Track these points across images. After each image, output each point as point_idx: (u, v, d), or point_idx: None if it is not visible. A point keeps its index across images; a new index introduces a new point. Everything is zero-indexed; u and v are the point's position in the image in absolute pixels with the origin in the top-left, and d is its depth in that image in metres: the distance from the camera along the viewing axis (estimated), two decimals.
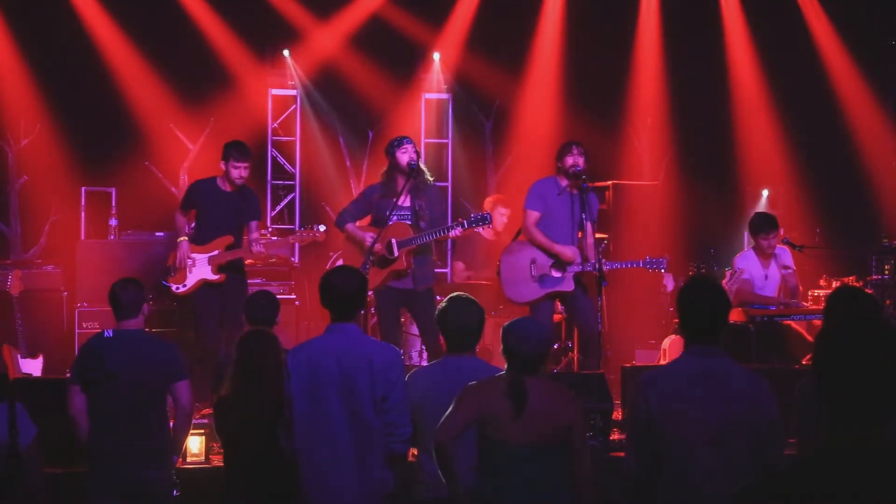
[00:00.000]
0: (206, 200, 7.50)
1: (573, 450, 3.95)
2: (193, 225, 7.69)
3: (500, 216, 9.19)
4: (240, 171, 7.43)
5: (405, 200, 7.21)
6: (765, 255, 7.98)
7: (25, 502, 4.45)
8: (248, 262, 8.34)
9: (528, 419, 3.92)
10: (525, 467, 3.92)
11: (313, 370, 4.51)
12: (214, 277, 7.46)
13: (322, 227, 7.70)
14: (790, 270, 8.07)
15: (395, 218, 7.15)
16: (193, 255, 7.45)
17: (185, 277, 7.44)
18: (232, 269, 7.52)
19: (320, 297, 4.65)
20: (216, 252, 7.46)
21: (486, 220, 7.22)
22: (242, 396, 4.93)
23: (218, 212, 7.49)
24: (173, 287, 7.48)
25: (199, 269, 7.44)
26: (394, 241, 7.10)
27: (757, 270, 7.98)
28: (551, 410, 3.95)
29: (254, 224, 7.60)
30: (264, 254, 7.82)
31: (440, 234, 7.14)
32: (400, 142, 7.28)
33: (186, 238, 7.48)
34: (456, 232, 7.14)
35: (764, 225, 8.01)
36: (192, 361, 6.84)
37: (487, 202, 9.47)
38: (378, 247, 7.04)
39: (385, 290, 7.16)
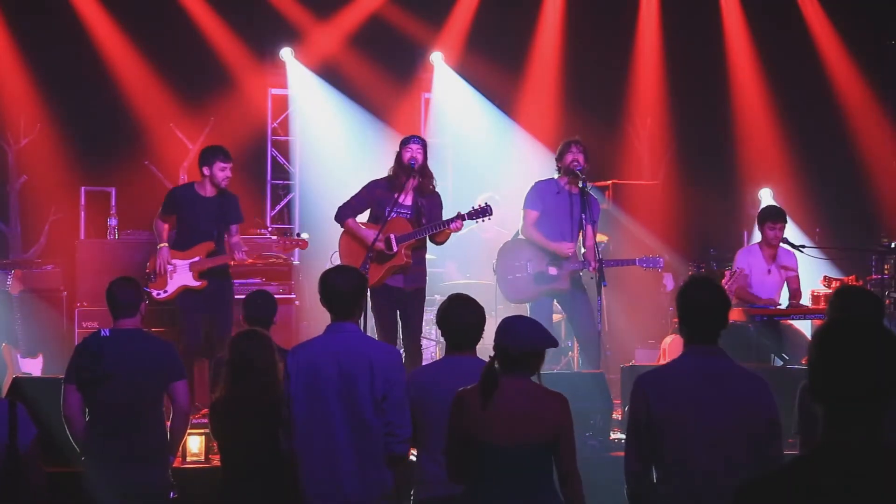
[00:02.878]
0: (187, 206, 7.42)
1: (563, 452, 3.92)
2: (173, 231, 7.62)
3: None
4: (226, 173, 7.41)
5: (407, 199, 7.19)
6: (770, 246, 7.98)
7: (27, 502, 4.45)
8: (248, 261, 8.34)
9: (513, 420, 3.88)
10: (512, 468, 3.88)
11: (313, 371, 4.51)
12: (196, 284, 7.38)
13: (305, 236, 7.78)
14: (793, 274, 8.07)
15: (394, 214, 7.13)
16: (174, 261, 7.36)
17: (165, 283, 7.33)
18: (217, 275, 7.44)
19: (320, 297, 4.66)
20: (197, 258, 7.37)
21: (486, 212, 7.14)
22: (236, 397, 4.92)
23: (199, 217, 7.42)
24: (154, 293, 7.32)
25: (180, 275, 7.36)
26: (392, 236, 7.08)
27: (759, 265, 7.99)
28: (537, 411, 3.91)
29: (234, 227, 7.53)
30: (247, 260, 7.79)
31: (439, 228, 7.08)
32: (407, 140, 7.27)
33: (167, 244, 7.40)
34: (456, 225, 7.04)
35: (771, 214, 8.07)
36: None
37: (480, 200, 9.49)
38: (379, 244, 7.02)
39: (382, 289, 7.12)
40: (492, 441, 3.87)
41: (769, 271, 8.01)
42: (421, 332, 7.44)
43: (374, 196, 7.25)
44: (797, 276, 8.10)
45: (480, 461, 3.91)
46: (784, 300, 8.12)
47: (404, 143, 7.23)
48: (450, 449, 4.03)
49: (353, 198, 7.38)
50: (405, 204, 7.18)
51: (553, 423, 3.90)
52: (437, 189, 7.40)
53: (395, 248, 7.05)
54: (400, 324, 7.29)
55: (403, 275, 7.16)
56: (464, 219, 7.10)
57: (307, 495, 4.50)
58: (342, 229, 7.36)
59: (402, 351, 8.02)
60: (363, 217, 7.40)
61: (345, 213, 7.31)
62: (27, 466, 4.34)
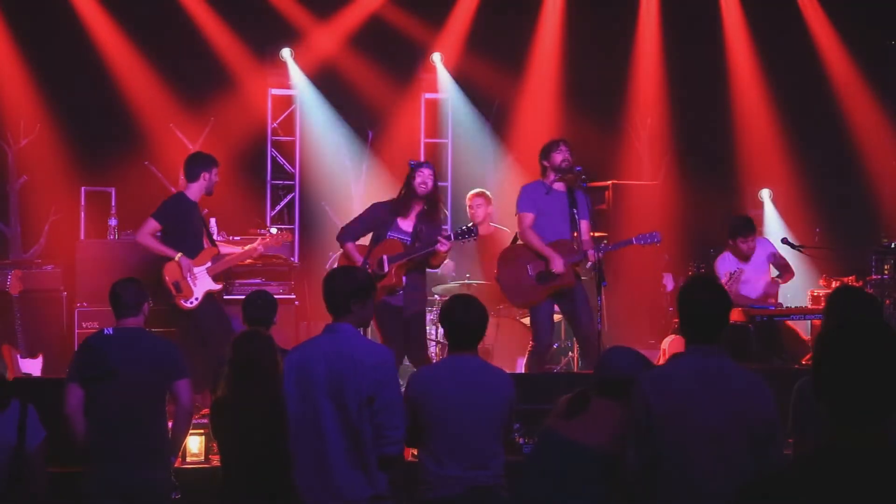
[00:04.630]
0: (185, 214, 7.48)
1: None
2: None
3: (476, 207, 9.15)
4: (217, 178, 7.59)
5: (409, 224, 7.29)
6: (743, 257, 8.01)
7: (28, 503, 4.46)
8: (247, 261, 8.37)
9: (585, 420, 4.18)
10: (566, 460, 4.14)
11: (304, 370, 4.50)
12: (217, 287, 7.55)
13: (275, 230, 8.18)
14: (775, 255, 8.09)
15: (391, 236, 7.24)
16: (194, 269, 7.43)
17: (192, 292, 7.39)
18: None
19: (323, 296, 4.67)
20: (209, 264, 7.50)
21: (472, 232, 7.29)
22: (238, 398, 4.93)
23: (195, 224, 7.55)
24: (187, 303, 7.36)
25: (203, 280, 7.44)
26: (384, 257, 7.17)
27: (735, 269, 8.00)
28: (611, 423, 4.12)
29: None
30: (255, 256, 7.96)
31: (427, 249, 7.19)
32: (420, 165, 7.39)
33: (182, 254, 7.39)
34: (444, 246, 7.16)
35: (742, 228, 8.05)
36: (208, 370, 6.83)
37: (468, 198, 9.50)
38: (369, 268, 7.08)
39: (381, 305, 7.15)
40: (558, 430, 4.21)
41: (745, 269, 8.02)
42: (427, 348, 7.55)
43: (378, 218, 7.36)
44: (778, 254, 8.12)
45: (543, 445, 4.29)
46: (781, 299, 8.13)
47: (416, 168, 7.33)
48: None
49: (356, 220, 7.53)
50: (405, 230, 7.27)
51: (609, 444, 4.08)
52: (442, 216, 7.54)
53: (386, 268, 7.12)
54: (406, 344, 7.37)
55: (403, 295, 7.22)
56: (451, 240, 7.23)
57: (301, 495, 4.50)
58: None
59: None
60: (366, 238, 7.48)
61: (346, 236, 7.41)
62: (32, 468, 4.34)
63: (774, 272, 8.22)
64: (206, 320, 7.44)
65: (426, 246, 7.19)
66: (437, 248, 7.18)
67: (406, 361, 7.53)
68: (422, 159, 7.59)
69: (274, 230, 8.54)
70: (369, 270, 7.06)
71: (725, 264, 8.02)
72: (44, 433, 4.45)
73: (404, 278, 7.21)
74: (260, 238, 8.10)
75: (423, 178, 7.23)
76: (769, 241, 8.12)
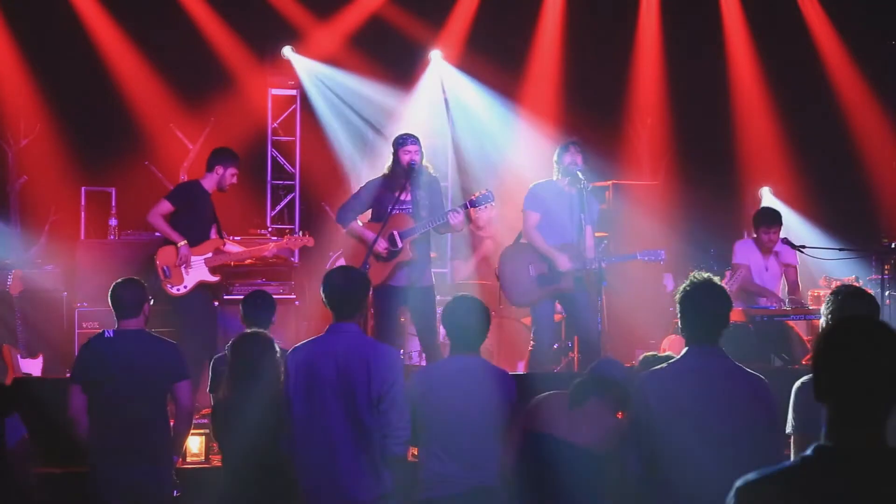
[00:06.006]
0: (196, 202, 7.55)
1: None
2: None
3: (480, 211, 9.12)
4: (234, 180, 7.68)
5: (406, 195, 7.17)
6: (765, 248, 7.99)
7: (17, 501, 4.46)
8: (247, 262, 8.38)
9: (579, 419, 4.24)
10: (568, 464, 4.18)
11: (310, 370, 4.50)
12: (213, 279, 7.54)
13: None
14: (792, 267, 8.07)
15: (395, 211, 7.11)
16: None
17: (181, 279, 7.41)
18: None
19: (322, 297, 4.65)
20: (209, 254, 7.51)
21: (487, 199, 7.11)
22: (239, 398, 4.93)
23: (205, 214, 7.60)
24: (173, 290, 7.40)
25: (197, 270, 7.46)
26: (395, 232, 7.06)
27: (757, 261, 7.99)
28: (600, 421, 4.23)
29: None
30: (268, 257, 7.95)
31: (441, 220, 7.02)
32: (404, 140, 7.19)
33: (186, 242, 7.44)
34: (457, 218, 6.99)
35: (765, 218, 8.04)
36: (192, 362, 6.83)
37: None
38: (381, 244, 7.00)
39: (385, 289, 7.09)
40: (546, 430, 4.24)
41: (766, 268, 8.00)
42: (437, 332, 7.32)
43: (375, 195, 7.24)
44: (796, 269, 8.10)
45: (540, 448, 4.27)
46: (784, 296, 8.12)
47: (401, 145, 7.14)
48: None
49: (351, 199, 7.38)
50: (405, 200, 7.16)
51: (609, 436, 4.17)
52: (435, 175, 7.39)
53: (400, 245, 7.03)
54: (414, 325, 7.30)
55: (411, 272, 7.11)
56: (466, 207, 7.12)
57: (306, 495, 4.50)
58: (345, 231, 7.36)
59: (409, 352, 8.02)
60: (365, 216, 7.39)
61: (346, 215, 7.27)
62: (14, 466, 4.36)
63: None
64: (190, 310, 7.46)
65: (435, 215, 7.05)
66: (449, 221, 6.95)
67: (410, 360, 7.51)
68: (425, 157, 7.43)
69: (298, 234, 8.43)
70: (382, 248, 7.00)
71: (743, 250, 8.01)
72: (23, 431, 4.47)
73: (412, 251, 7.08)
74: (279, 240, 8.15)
75: (412, 156, 7.09)
76: (796, 254, 8.06)
